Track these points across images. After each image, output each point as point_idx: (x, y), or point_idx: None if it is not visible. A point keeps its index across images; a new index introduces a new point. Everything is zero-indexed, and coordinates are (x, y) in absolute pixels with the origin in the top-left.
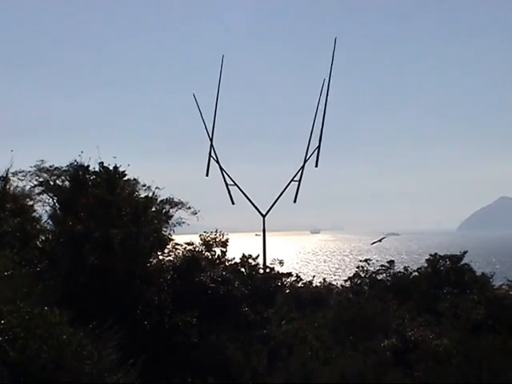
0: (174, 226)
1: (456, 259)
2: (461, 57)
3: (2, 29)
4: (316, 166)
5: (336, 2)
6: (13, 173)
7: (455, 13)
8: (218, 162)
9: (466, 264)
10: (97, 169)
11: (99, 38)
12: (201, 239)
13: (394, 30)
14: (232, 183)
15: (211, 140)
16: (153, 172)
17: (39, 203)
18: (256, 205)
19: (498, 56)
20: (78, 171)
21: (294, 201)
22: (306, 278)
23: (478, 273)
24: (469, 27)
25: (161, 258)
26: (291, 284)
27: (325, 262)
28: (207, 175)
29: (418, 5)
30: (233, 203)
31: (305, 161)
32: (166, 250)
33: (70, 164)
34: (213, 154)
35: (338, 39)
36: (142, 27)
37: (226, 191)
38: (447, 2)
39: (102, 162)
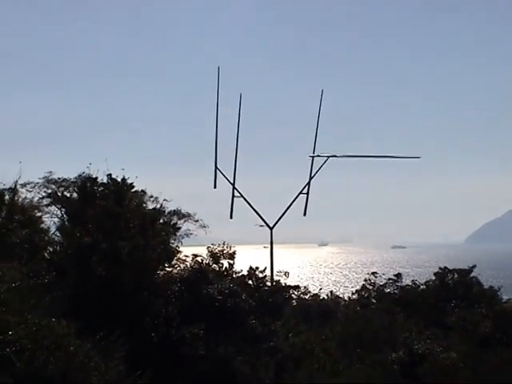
0: (182, 237)
1: (464, 273)
2: (472, 65)
3: (7, 38)
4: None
5: (339, 9)
6: (21, 184)
7: (463, 23)
8: (225, 175)
9: (473, 277)
10: (105, 180)
11: (107, 49)
12: (208, 251)
13: (400, 35)
14: (239, 195)
15: (216, 152)
16: (161, 183)
17: (47, 215)
18: (263, 217)
19: (509, 66)
20: (86, 183)
21: (304, 214)
22: (313, 291)
23: (486, 286)
24: (483, 36)
25: (168, 269)
26: (298, 296)
27: (340, 275)
28: (215, 187)
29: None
30: (231, 217)
31: (310, 177)
32: (173, 262)
33: (79, 176)
34: (219, 166)
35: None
36: (151, 37)
37: (231, 204)
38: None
39: (110, 174)
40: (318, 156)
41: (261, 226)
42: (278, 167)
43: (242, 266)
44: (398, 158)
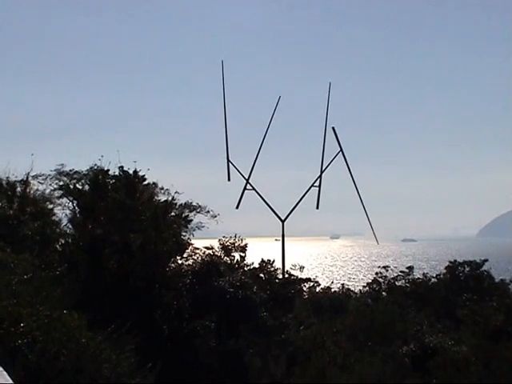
0: (193, 230)
1: (475, 266)
2: (477, 58)
3: (20, 33)
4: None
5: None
6: (33, 176)
7: (467, 18)
8: (238, 168)
9: (485, 271)
10: (117, 173)
11: (116, 41)
12: (220, 244)
13: (412, 26)
14: (251, 188)
15: (227, 145)
16: (173, 175)
17: (59, 207)
18: (275, 210)
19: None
20: (97, 175)
21: (317, 207)
22: (324, 284)
23: (498, 279)
24: (488, 29)
25: (180, 262)
26: (310, 289)
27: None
28: (229, 180)
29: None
30: (237, 207)
31: (321, 169)
32: (185, 255)
33: (90, 168)
34: (232, 159)
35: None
36: (161, 29)
37: (240, 195)
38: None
39: (122, 166)
40: (335, 134)
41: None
42: (290, 160)
43: (253, 258)
44: (372, 230)
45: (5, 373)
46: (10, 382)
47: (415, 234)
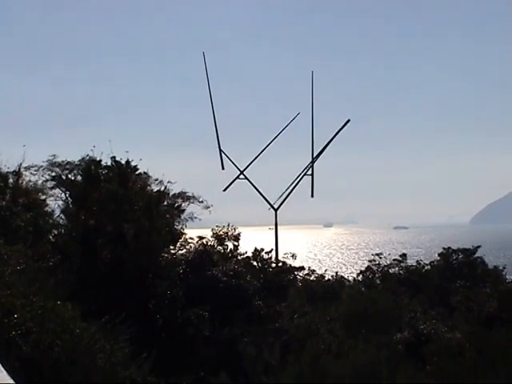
0: (186, 220)
1: (469, 253)
2: (471, 47)
3: (13, 24)
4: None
5: None
6: (25, 167)
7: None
8: (230, 158)
9: (478, 257)
10: (109, 163)
11: (110, 32)
12: (213, 233)
13: (410, 16)
14: (243, 178)
15: (217, 134)
16: (165, 165)
17: (52, 198)
18: (268, 199)
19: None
20: (90, 165)
21: (312, 195)
22: (318, 272)
23: (491, 266)
24: (491, 12)
25: (173, 252)
26: (303, 278)
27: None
28: (223, 169)
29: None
30: (224, 191)
31: (313, 156)
32: (178, 244)
33: (83, 158)
34: (223, 148)
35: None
36: (154, 20)
37: (230, 182)
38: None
39: (114, 157)
40: (344, 125)
41: None
42: (285, 149)
43: (247, 247)
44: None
45: (5, 373)
46: (11, 382)
47: (408, 222)
